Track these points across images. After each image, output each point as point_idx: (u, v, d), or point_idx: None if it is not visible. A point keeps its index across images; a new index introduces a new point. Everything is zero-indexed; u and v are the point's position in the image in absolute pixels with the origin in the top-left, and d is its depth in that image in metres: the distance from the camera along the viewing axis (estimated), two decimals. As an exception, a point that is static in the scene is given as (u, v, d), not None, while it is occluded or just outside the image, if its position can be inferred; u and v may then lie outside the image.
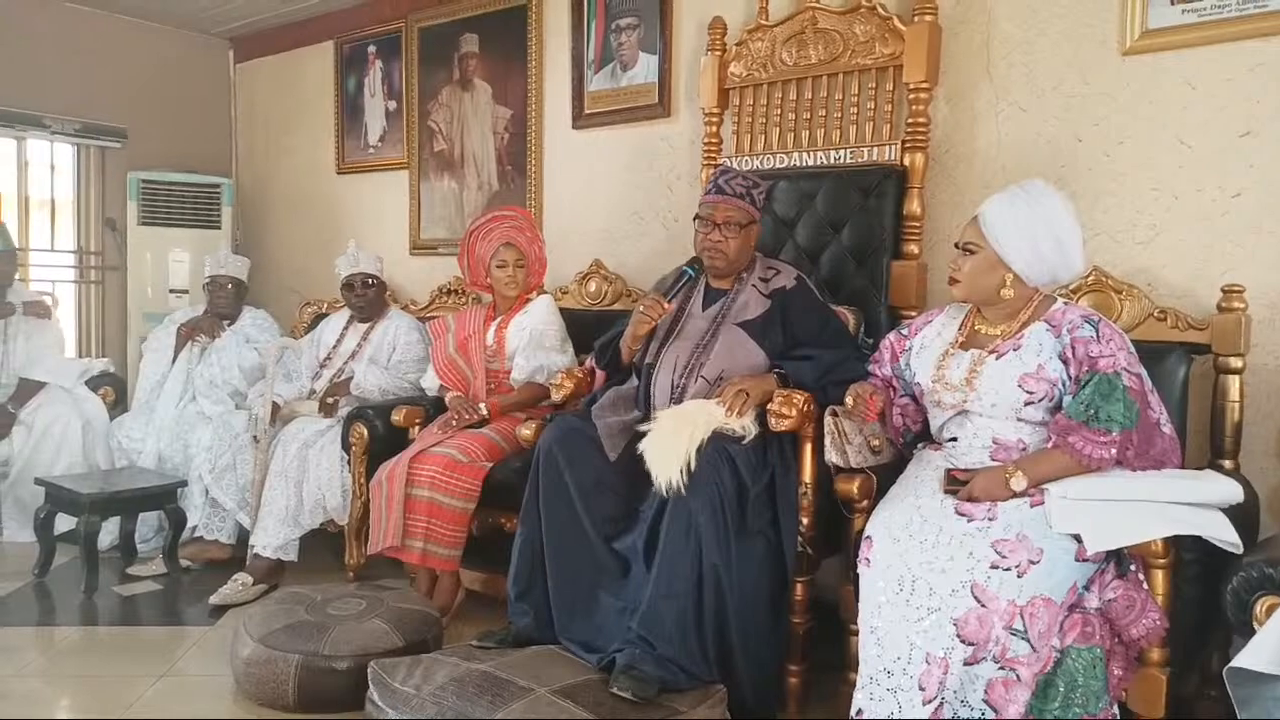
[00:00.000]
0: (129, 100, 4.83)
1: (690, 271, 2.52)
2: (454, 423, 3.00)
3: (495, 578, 2.90)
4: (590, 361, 2.84)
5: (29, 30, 4.50)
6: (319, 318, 4.15)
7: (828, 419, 2.16)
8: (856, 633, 1.94)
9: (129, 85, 4.83)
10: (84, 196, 4.81)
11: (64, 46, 4.61)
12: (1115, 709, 1.78)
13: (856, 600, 1.93)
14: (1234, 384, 2.21)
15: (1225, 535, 1.73)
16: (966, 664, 1.74)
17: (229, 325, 3.88)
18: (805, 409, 2.21)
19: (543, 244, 3.34)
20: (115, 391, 4.04)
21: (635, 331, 2.51)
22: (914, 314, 2.58)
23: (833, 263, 2.83)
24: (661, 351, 2.49)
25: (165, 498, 3.30)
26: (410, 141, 4.37)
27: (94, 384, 3.93)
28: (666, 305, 2.49)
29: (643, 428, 2.29)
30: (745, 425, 2.24)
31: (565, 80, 3.74)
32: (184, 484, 3.39)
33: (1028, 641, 1.72)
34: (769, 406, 2.23)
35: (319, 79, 4.81)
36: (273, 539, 3.15)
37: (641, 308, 2.48)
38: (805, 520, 2.24)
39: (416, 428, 3.13)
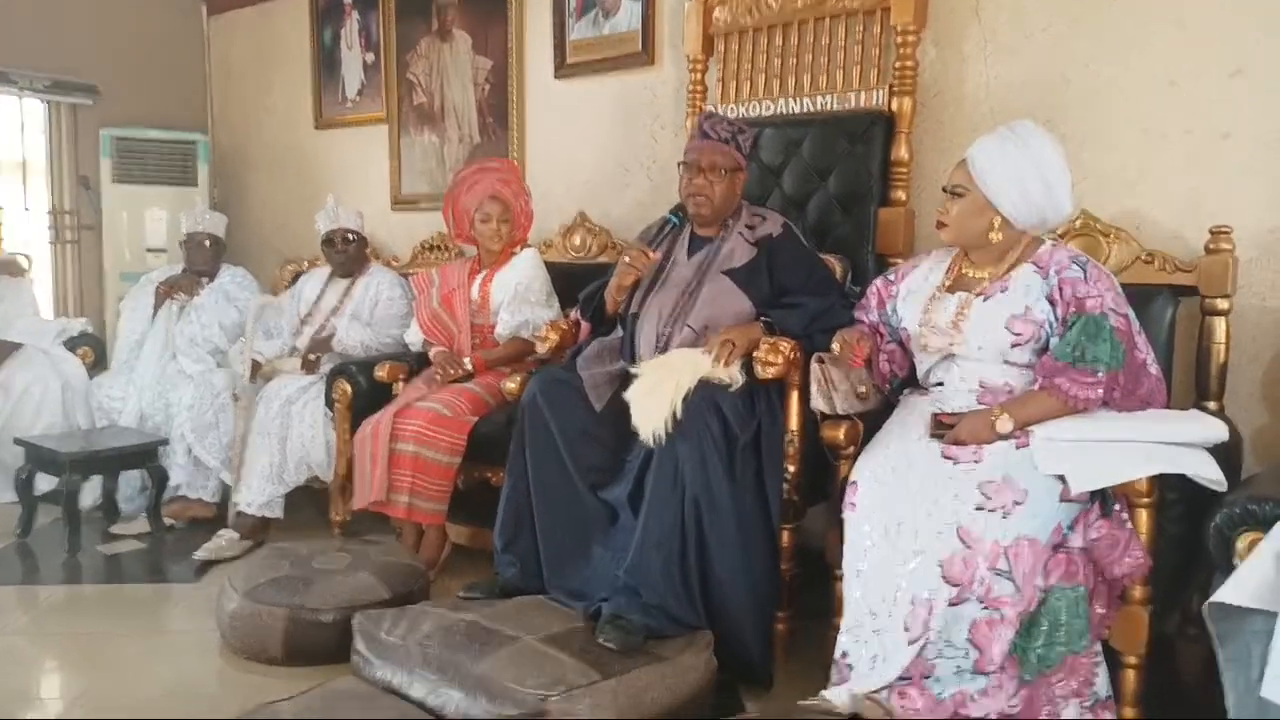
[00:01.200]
0: (100, 55, 4.67)
1: (674, 219, 2.48)
2: (439, 378, 2.97)
3: (481, 532, 2.89)
4: (575, 314, 2.81)
5: (-8, -18, 4.37)
6: (299, 275, 4.09)
7: (814, 366, 2.14)
8: (842, 578, 1.94)
9: (100, 39, 4.68)
10: (56, 155, 4.68)
11: (30, -1, 4.47)
12: (1098, 646, 1.80)
13: (842, 545, 1.93)
14: (1220, 326, 2.20)
15: (1209, 473, 1.74)
16: (951, 604, 1.75)
17: (208, 283, 3.81)
18: (792, 356, 2.20)
19: (528, 197, 3.29)
20: (94, 351, 3.96)
21: (620, 283, 2.47)
22: (901, 261, 2.55)
23: (819, 210, 2.79)
24: (646, 301, 2.46)
25: (146, 456, 3.27)
26: (389, 95, 4.27)
27: (72, 344, 3.86)
28: (651, 255, 2.45)
29: (633, 369, 2.28)
30: (732, 374, 2.22)
31: (546, 28, 3.65)
32: (164, 442, 3.35)
33: (1012, 581, 1.73)
34: (755, 354, 2.21)
35: (294, 32, 4.68)
36: (257, 496, 3.13)
37: (626, 259, 2.44)
38: (792, 468, 2.24)
39: (400, 383, 3.10)
